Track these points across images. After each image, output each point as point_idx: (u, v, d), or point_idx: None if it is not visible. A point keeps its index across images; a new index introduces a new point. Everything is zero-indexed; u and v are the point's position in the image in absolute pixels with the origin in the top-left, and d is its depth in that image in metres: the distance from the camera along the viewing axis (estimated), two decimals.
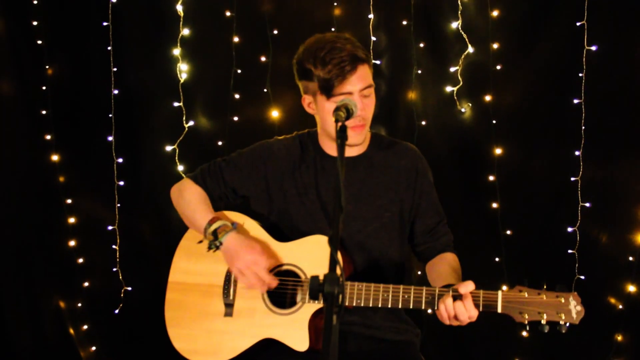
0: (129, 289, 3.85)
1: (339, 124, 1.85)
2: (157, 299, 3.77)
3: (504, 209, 3.51)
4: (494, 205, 3.53)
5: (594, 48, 3.33)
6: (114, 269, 3.83)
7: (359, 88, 2.09)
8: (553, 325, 1.81)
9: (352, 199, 2.22)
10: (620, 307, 3.42)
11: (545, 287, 1.83)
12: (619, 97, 3.37)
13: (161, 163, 3.78)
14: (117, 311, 3.84)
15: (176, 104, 3.74)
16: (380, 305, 1.98)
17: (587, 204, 3.40)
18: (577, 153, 3.39)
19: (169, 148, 3.76)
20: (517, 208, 3.52)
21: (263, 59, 3.68)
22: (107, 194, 3.80)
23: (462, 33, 3.52)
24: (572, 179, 3.42)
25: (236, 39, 3.69)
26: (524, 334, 3.52)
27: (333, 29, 3.63)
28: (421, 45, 3.61)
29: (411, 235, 2.33)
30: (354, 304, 2.00)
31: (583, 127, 3.37)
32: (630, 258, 3.39)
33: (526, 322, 1.83)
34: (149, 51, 3.77)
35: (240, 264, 2.09)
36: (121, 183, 3.81)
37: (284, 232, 2.29)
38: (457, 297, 1.86)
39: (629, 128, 3.36)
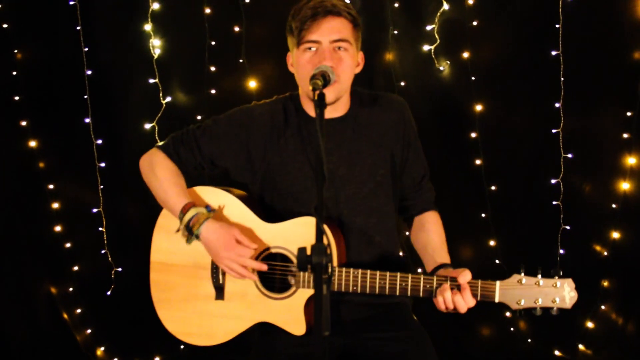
0: (119, 269, 3.84)
1: (317, 92, 1.84)
2: (146, 277, 3.82)
3: (487, 165, 3.52)
4: (478, 161, 3.54)
5: None
6: (103, 251, 3.81)
7: (329, 39, 2.04)
8: (546, 310, 1.84)
9: (344, 162, 2.16)
10: (605, 253, 3.48)
11: (540, 272, 1.84)
12: (596, 46, 3.35)
13: (141, 141, 3.70)
14: (109, 293, 3.83)
15: (152, 81, 3.68)
16: (377, 293, 1.97)
17: (570, 155, 3.43)
18: (557, 105, 3.39)
19: (147, 126, 3.71)
20: (501, 163, 3.53)
21: (236, 29, 3.61)
22: (89, 176, 3.75)
23: None
24: (553, 130, 3.43)
25: (208, 10, 3.60)
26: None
27: None
28: (396, 5, 3.55)
29: None
30: (350, 291, 1.98)
31: (562, 79, 3.36)
32: (614, 205, 3.44)
33: (522, 310, 1.86)
34: (120, 28, 3.68)
35: (224, 261, 2.05)
36: (102, 164, 3.76)
37: (270, 203, 2.23)
38: (456, 287, 1.87)
39: (607, 77, 3.36)
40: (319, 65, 2.01)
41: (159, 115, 3.69)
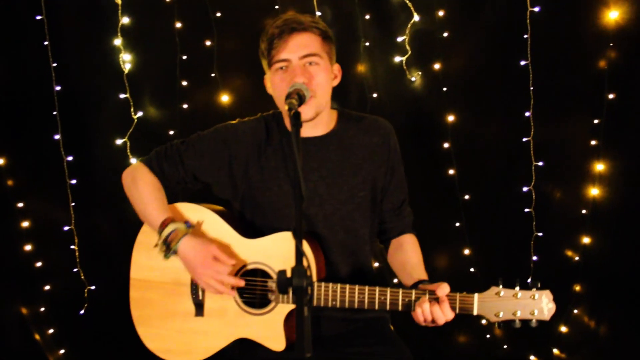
0: (93, 288, 3.78)
1: (292, 111, 1.84)
2: (122, 296, 3.72)
3: (460, 175, 3.56)
4: (451, 171, 3.57)
5: (537, 9, 3.36)
6: (75, 270, 3.74)
7: (298, 55, 2.04)
8: (525, 322, 1.85)
9: (325, 181, 2.16)
10: (577, 258, 3.55)
11: (518, 284, 1.85)
12: (563, 56, 3.42)
13: (113, 157, 3.68)
14: (82, 312, 3.77)
15: (122, 96, 3.64)
16: (356, 307, 1.97)
17: (540, 163, 3.48)
18: (527, 114, 3.44)
19: (119, 141, 3.66)
20: (474, 172, 3.57)
21: (208, 43, 3.60)
22: (60, 194, 3.69)
23: (407, 2, 3.50)
24: (524, 139, 3.47)
25: (179, 25, 3.59)
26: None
27: (277, 7, 3.56)
28: (367, 17, 3.57)
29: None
30: (330, 305, 1.98)
31: (531, 88, 3.41)
32: (584, 211, 3.50)
33: (501, 321, 1.86)
34: (89, 43, 3.64)
35: (202, 277, 2.03)
36: (73, 181, 3.70)
37: (250, 220, 2.23)
38: (434, 300, 1.88)
39: (575, 85, 3.43)
40: (292, 84, 2.00)
41: (131, 130, 3.65)
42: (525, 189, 3.51)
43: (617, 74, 3.36)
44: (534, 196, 3.50)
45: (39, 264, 3.74)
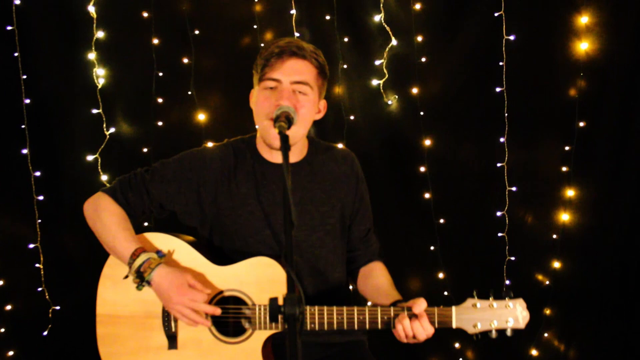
0: (57, 308, 3.65)
1: (281, 135, 1.82)
2: (88, 317, 3.63)
3: (436, 198, 3.58)
4: (427, 195, 3.59)
5: (512, 37, 3.43)
6: (39, 289, 3.62)
7: (290, 79, 2.04)
8: (501, 331, 1.90)
9: (296, 207, 2.15)
10: (547, 282, 3.60)
11: (492, 294, 1.90)
12: (536, 83, 3.49)
13: (83, 174, 3.60)
14: (45, 333, 3.64)
15: (95, 111, 3.56)
16: (335, 328, 1.95)
17: (514, 188, 3.53)
18: (501, 140, 3.50)
19: (90, 157, 3.58)
20: (449, 196, 3.59)
21: (185, 60, 3.56)
22: (26, 210, 3.58)
23: (385, 26, 3.53)
24: (498, 164, 3.53)
25: (156, 41, 3.54)
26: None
27: (255, 26, 3.55)
28: (345, 39, 3.59)
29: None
30: (308, 329, 1.96)
31: (506, 115, 3.47)
32: (554, 236, 3.56)
33: (479, 333, 1.90)
34: (62, 56, 3.57)
35: (176, 306, 1.97)
36: (41, 197, 3.60)
37: (219, 246, 2.19)
38: (413, 316, 1.89)
39: (547, 113, 3.51)
40: (280, 106, 1.98)
41: (102, 146, 3.57)
42: (499, 213, 3.55)
43: (587, 102, 3.45)
44: (507, 221, 3.54)
45: (0, 283, 3.60)
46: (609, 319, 3.53)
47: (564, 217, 3.52)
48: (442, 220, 3.60)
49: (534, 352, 3.61)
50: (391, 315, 1.93)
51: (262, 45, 2.15)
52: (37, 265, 3.61)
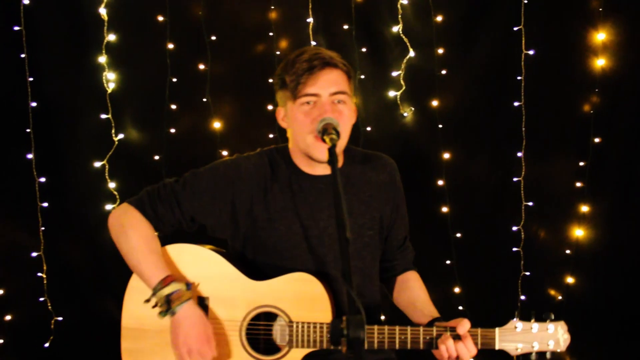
0: (60, 319, 3.54)
1: (330, 148, 1.76)
2: (91, 327, 3.55)
3: (453, 212, 3.56)
4: (444, 209, 3.57)
5: (531, 52, 3.43)
6: (41, 299, 3.50)
7: (328, 92, 1.95)
8: (542, 354, 1.88)
9: (333, 221, 2.04)
10: (560, 297, 3.59)
11: (533, 316, 1.88)
12: (553, 98, 3.50)
13: (90, 180, 3.49)
14: (47, 344, 3.52)
15: (104, 116, 3.46)
16: (376, 348, 1.89)
17: (530, 203, 3.52)
18: (519, 154, 3.49)
19: (97, 164, 3.48)
20: (466, 210, 3.57)
21: (201, 66, 3.48)
22: (29, 217, 3.47)
23: (403, 37, 3.50)
24: (515, 179, 3.52)
25: (170, 46, 3.46)
26: None
27: (271, 34, 3.49)
28: (363, 50, 3.55)
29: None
30: None
31: (524, 129, 3.47)
32: (568, 251, 3.56)
33: (520, 355, 1.88)
34: (70, 59, 3.46)
35: (183, 349, 1.89)
36: (45, 204, 3.48)
37: (252, 259, 2.09)
38: (456, 337, 1.84)
39: (563, 128, 3.52)
40: (323, 118, 1.92)
41: (110, 153, 3.48)
42: (514, 228, 3.54)
43: (602, 118, 3.46)
44: (522, 236, 3.53)
45: (0, 292, 3.47)
46: (622, 336, 3.54)
47: (578, 232, 3.52)
48: (458, 235, 3.57)
49: None
50: (433, 335, 1.87)
51: (283, 59, 2.05)
52: (39, 274, 3.49)
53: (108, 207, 3.52)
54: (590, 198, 3.50)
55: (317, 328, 1.92)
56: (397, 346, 1.88)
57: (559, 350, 1.89)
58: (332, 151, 1.73)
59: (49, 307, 3.51)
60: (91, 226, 3.53)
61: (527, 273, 3.55)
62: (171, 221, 2.04)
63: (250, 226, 2.07)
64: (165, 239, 2.05)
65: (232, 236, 2.11)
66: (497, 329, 1.86)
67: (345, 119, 1.99)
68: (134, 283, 2.05)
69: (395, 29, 3.52)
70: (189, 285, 1.94)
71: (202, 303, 2.00)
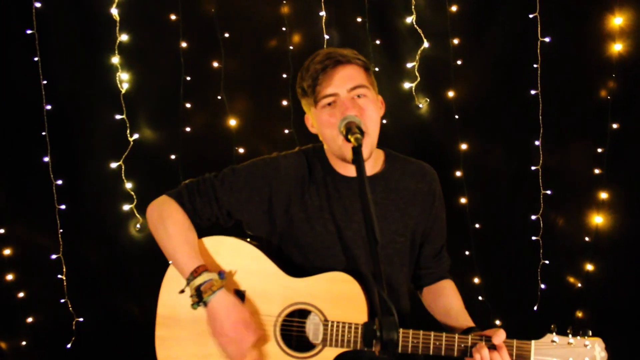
0: (81, 320, 3.55)
1: (351, 144, 1.74)
2: (113, 328, 3.56)
3: (471, 203, 3.54)
4: (462, 200, 3.55)
5: (547, 39, 3.39)
6: (62, 300, 3.51)
7: (346, 88, 1.93)
8: None
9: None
10: (579, 285, 3.58)
11: (570, 330, 1.85)
12: (570, 86, 3.46)
13: (106, 181, 3.50)
14: (69, 345, 3.53)
15: (118, 117, 3.46)
16: (410, 352, 1.88)
17: (549, 192, 3.50)
18: (537, 143, 3.47)
19: (114, 165, 3.48)
20: (484, 201, 3.56)
21: (215, 64, 3.46)
22: (48, 219, 3.47)
23: (417, 28, 3.47)
24: (533, 167, 3.49)
25: (184, 44, 3.44)
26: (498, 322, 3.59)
27: (284, 29, 3.47)
28: (377, 42, 3.52)
29: (416, 259, 2.22)
30: None
31: (541, 117, 3.44)
32: (587, 239, 3.54)
33: None
34: (83, 60, 3.45)
35: (223, 340, 1.89)
36: (62, 207, 3.48)
37: (288, 256, 2.10)
38: (492, 347, 1.84)
39: (581, 115, 3.48)
40: (344, 117, 1.89)
41: (126, 153, 3.47)
42: (533, 217, 3.52)
43: (620, 104, 3.41)
44: (541, 224, 3.51)
45: (21, 295, 3.48)
46: None
47: (597, 219, 3.50)
48: (477, 225, 3.56)
49: None
50: (468, 343, 1.87)
51: (301, 69, 2.04)
52: (59, 276, 3.50)
53: (125, 207, 3.52)
54: (609, 185, 3.47)
55: (352, 328, 1.93)
56: (431, 352, 1.88)
57: None
58: (357, 151, 1.72)
59: (70, 309, 3.52)
60: (109, 227, 3.54)
61: (547, 262, 3.53)
62: (208, 215, 2.06)
63: (287, 225, 2.08)
64: (203, 233, 2.06)
65: (268, 233, 2.12)
66: (532, 342, 1.85)
67: (369, 112, 1.96)
68: (171, 273, 2.07)
69: (409, 20, 3.49)
70: (222, 274, 1.95)
71: (240, 296, 2.01)
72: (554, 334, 1.84)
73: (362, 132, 1.82)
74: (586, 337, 1.84)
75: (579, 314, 3.61)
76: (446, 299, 2.17)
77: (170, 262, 2.04)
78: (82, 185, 3.52)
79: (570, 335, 1.84)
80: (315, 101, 1.96)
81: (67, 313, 3.52)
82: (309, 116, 2.08)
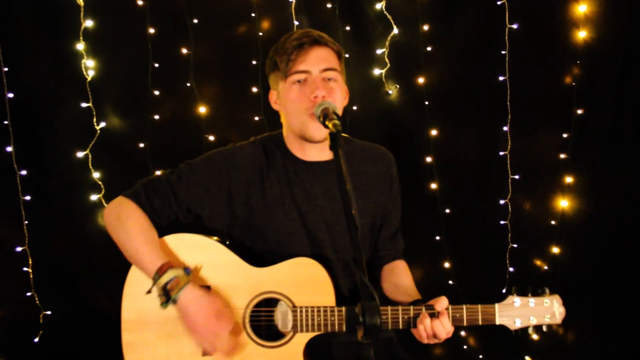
0: (48, 313, 3.47)
1: (334, 134, 1.73)
2: (81, 320, 3.50)
3: (442, 189, 3.58)
4: (433, 185, 3.59)
5: (515, 26, 3.44)
6: (28, 294, 3.43)
7: (319, 68, 1.95)
8: (538, 327, 1.96)
9: (330, 207, 2.07)
10: (546, 267, 3.66)
11: (530, 291, 1.94)
12: (537, 72, 3.51)
13: (73, 171, 3.42)
14: (37, 339, 3.45)
15: (84, 105, 3.38)
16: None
17: (517, 176, 3.56)
18: (505, 128, 3.52)
19: (80, 154, 3.40)
20: (454, 186, 3.60)
21: (184, 50, 3.40)
22: (12, 211, 3.38)
23: (387, 14, 3.47)
24: (501, 153, 3.55)
25: (151, 30, 3.37)
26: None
27: (253, 14, 3.43)
28: (347, 28, 3.51)
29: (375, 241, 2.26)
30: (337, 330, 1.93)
31: (509, 103, 3.49)
32: (553, 222, 3.61)
33: (519, 329, 1.96)
34: (47, 47, 3.36)
35: (199, 334, 1.88)
36: (27, 198, 3.39)
37: (251, 247, 2.09)
38: (433, 315, 1.88)
39: (547, 101, 3.54)
40: (320, 103, 1.90)
41: (93, 142, 3.40)
42: (502, 201, 3.58)
43: (584, 90, 3.49)
44: (510, 209, 3.57)
45: None
46: (606, 302, 3.62)
47: (563, 203, 3.58)
48: (447, 210, 3.60)
49: (535, 337, 3.67)
50: (411, 315, 1.90)
51: (273, 43, 2.04)
52: (25, 269, 3.41)
53: (93, 197, 3.45)
54: (574, 169, 3.55)
55: (321, 312, 1.93)
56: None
57: (555, 323, 1.96)
58: (336, 136, 1.71)
59: (37, 302, 3.44)
60: (76, 218, 3.46)
61: (515, 245, 3.60)
62: (167, 213, 2.03)
63: (248, 215, 2.07)
64: (162, 231, 2.03)
65: (229, 225, 2.11)
66: (496, 305, 1.92)
67: (337, 96, 1.99)
68: (133, 275, 2.02)
69: (379, 6, 3.49)
70: (188, 270, 1.92)
71: None
72: (515, 295, 1.94)
73: (339, 118, 1.82)
74: (544, 296, 1.95)
75: None
76: (397, 277, 2.21)
77: (132, 264, 1.99)
78: (47, 176, 3.44)
79: (530, 295, 1.94)
80: (286, 75, 1.97)
81: (34, 306, 3.44)
82: (274, 92, 2.08)
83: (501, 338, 3.60)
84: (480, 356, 3.70)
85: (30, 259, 3.41)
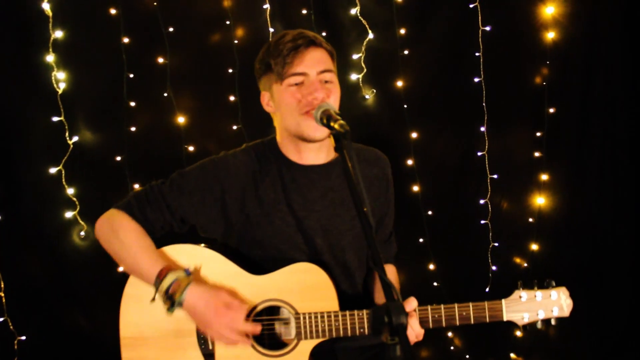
0: (23, 338, 3.31)
1: (341, 134, 1.72)
2: (59, 343, 3.35)
3: (424, 191, 3.59)
4: (415, 188, 3.60)
5: (487, 28, 3.51)
6: (1, 319, 3.27)
7: (316, 70, 1.93)
8: (547, 321, 1.94)
9: (326, 212, 2.05)
10: (525, 265, 3.72)
11: (536, 284, 1.93)
12: (510, 72, 3.58)
13: (45, 188, 3.30)
14: None
15: (56, 119, 3.26)
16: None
17: (495, 176, 3.61)
18: (482, 129, 3.57)
19: (53, 170, 3.28)
20: (435, 188, 3.62)
21: (160, 60, 3.33)
22: None
23: (362, 19, 3.49)
24: (479, 153, 3.59)
25: (126, 40, 3.28)
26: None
27: (228, 22, 3.39)
28: (323, 34, 3.51)
29: None
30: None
31: (484, 104, 3.54)
32: (531, 220, 3.68)
33: (527, 324, 1.93)
34: (15, 59, 3.24)
35: (214, 327, 1.83)
36: None
37: (247, 254, 2.05)
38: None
39: (520, 101, 3.62)
40: (320, 105, 1.87)
41: (66, 157, 3.29)
42: (482, 201, 3.62)
43: (554, 89, 3.58)
44: (489, 208, 3.62)
45: None
46: (585, 297, 3.69)
47: (539, 200, 3.65)
48: (430, 212, 3.62)
49: (518, 333, 3.72)
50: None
51: (265, 45, 2.02)
52: None
53: (68, 214, 3.32)
54: (549, 167, 3.63)
55: (324, 317, 1.90)
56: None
57: (563, 316, 1.94)
58: (345, 137, 1.70)
59: (10, 327, 3.28)
60: (50, 236, 3.34)
61: (496, 244, 3.65)
62: (161, 223, 1.98)
63: (243, 222, 2.02)
64: (158, 242, 1.96)
65: (224, 234, 2.06)
66: (503, 301, 1.90)
67: (334, 98, 1.98)
68: (130, 290, 1.97)
69: (354, 11, 3.50)
70: (188, 271, 1.88)
71: None
72: (521, 289, 1.91)
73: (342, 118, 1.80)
74: (551, 288, 1.93)
75: None
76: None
77: (130, 274, 1.94)
78: (18, 193, 3.30)
79: (536, 289, 1.92)
80: (282, 78, 1.93)
81: (7, 332, 3.28)
82: (266, 94, 2.04)
83: (486, 335, 3.64)
84: (467, 356, 3.72)
85: (2, 282, 3.25)
